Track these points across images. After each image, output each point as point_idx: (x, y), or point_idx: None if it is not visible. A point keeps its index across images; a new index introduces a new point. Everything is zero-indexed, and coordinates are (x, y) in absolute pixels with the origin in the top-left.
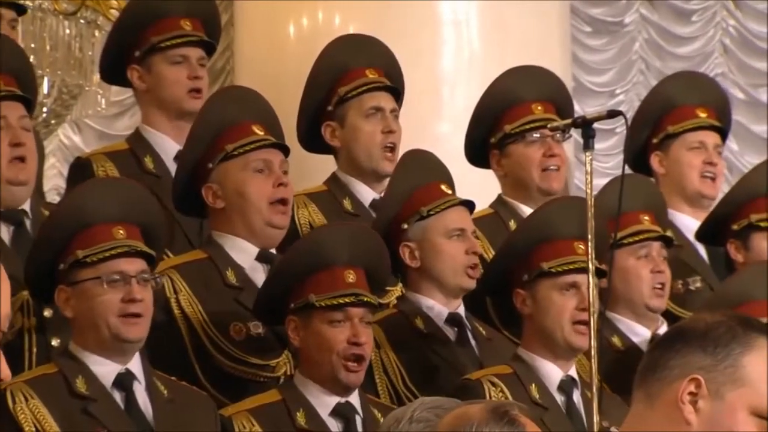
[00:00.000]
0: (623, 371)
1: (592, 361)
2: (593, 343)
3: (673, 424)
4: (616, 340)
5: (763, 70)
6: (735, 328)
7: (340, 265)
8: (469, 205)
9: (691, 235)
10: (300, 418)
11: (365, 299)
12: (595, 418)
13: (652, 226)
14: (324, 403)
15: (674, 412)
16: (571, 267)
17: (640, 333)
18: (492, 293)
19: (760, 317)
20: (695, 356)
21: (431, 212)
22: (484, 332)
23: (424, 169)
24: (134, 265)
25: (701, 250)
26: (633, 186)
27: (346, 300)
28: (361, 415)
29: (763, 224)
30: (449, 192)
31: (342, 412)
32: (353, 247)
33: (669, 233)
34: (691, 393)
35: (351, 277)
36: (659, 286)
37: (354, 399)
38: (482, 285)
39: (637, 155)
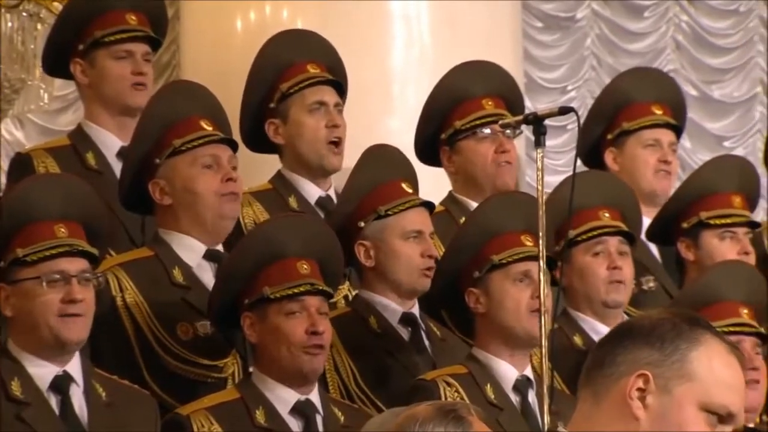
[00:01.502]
0: None
1: (543, 360)
2: (544, 342)
3: (621, 421)
4: (578, 339)
5: (716, 66)
6: (681, 325)
7: (293, 256)
8: (429, 205)
9: (643, 234)
10: (259, 416)
11: (321, 288)
12: (546, 417)
13: (611, 221)
14: (284, 400)
15: (622, 409)
16: (521, 256)
17: (602, 332)
18: (444, 296)
19: (728, 318)
20: (642, 352)
21: (389, 212)
22: (438, 333)
23: (386, 166)
24: (75, 265)
25: (653, 248)
26: (593, 182)
27: (302, 289)
28: (322, 413)
29: (713, 222)
30: (410, 191)
31: (302, 410)
32: (306, 239)
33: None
34: (639, 389)
35: (305, 267)
36: (616, 281)
37: (314, 397)
38: (434, 287)
39: (590, 151)
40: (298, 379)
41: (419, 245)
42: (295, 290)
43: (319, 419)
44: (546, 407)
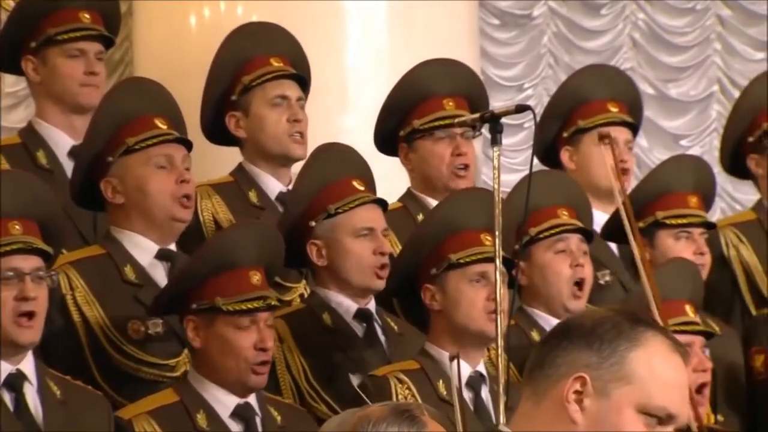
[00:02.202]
0: None
1: (499, 359)
2: (500, 341)
3: (559, 423)
4: (535, 334)
5: (673, 64)
6: (621, 324)
7: (246, 266)
8: (382, 202)
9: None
10: (200, 420)
11: (272, 303)
12: (502, 418)
13: (570, 220)
14: (223, 404)
15: (560, 411)
16: (479, 257)
17: None
18: (400, 291)
19: (674, 317)
20: (581, 354)
21: (339, 210)
22: (396, 327)
23: (336, 164)
24: (29, 262)
25: (612, 244)
26: (551, 181)
27: (256, 305)
28: (260, 414)
29: (669, 221)
30: (361, 188)
31: (242, 414)
32: (259, 248)
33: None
34: (576, 392)
35: (256, 278)
36: (578, 280)
37: (252, 399)
38: (390, 282)
39: (547, 150)
40: (241, 391)
41: (371, 242)
42: (249, 305)
43: (258, 420)
44: (502, 404)
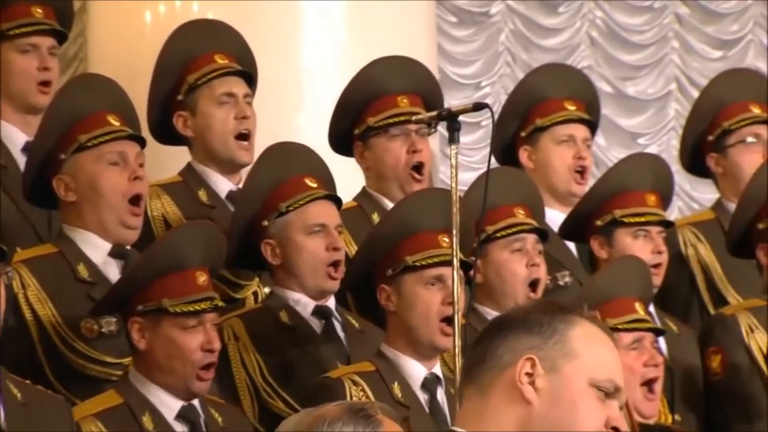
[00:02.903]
0: None
1: (456, 358)
2: (457, 341)
3: (514, 408)
4: None
5: (631, 63)
6: (552, 309)
7: (192, 267)
8: (335, 199)
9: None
10: (147, 421)
11: (218, 304)
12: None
13: (527, 219)
14: (168, 406)
15: (512, 395)
16: (435, 260)
17: None
18: (355, 290)
19: (625, 315)
20: (522, 339)
21: (290, 208)
22: (356, 324)
23: (287, 162)
24: None
25: (570, 244)
26: (507, 179)
27: (203, 306)
28: (203, 416)
29: (627, 220)
30: (314, 185)
31: (187, 416)
32: (205, 248)
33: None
34: (527, 373)
35: (202, 278)
36: (533, 280)
37: (195, 401)
38: (346, 281)
39: (505, 149)
40: (184, 395)
41: (324, 239)
42: (196, 306)
43: (202, 422)
44: (458, 405)
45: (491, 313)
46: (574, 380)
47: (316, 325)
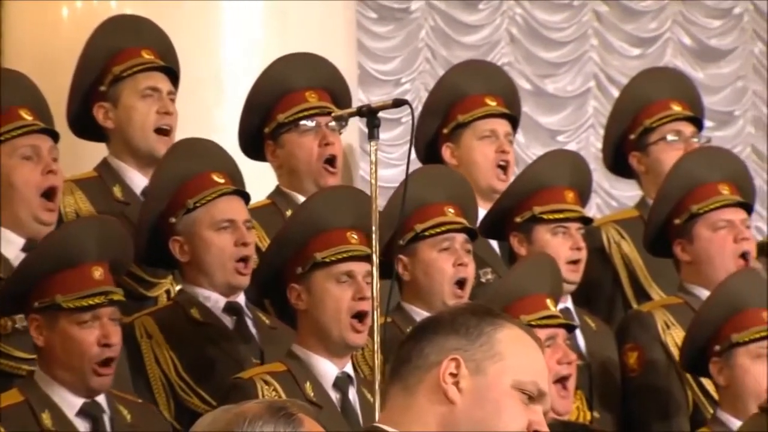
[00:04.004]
0: None
1: (375, 355)
2: (376, 338)
3: (437, 407)
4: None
5: (550, 60)
6: (479, 312)
7: (88, 262)
8: (243, 194)
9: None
10: (46, 419)
11: (114, 298)
12: (377, 416)
13: (456, 218)
14: (70, 403)
15: (436, 395)
16: (344, 255)
17: None
18: (268, 290)
19: (536, 312)
20: (449, 340)
21: (198, 204)
22: (267, 321)
23: (194, 158)
24: None
25: (493, 241)
26: (440, 177)
27: (97, 300)
28: (109, 413)
29: (546, 216)
30: (221, 181)
31: (89, 412)
32: (101, 242)
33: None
34: (452, 374)
35: (98, 273)
36: (461, 279)
37: (100, 397)
38: (257, 281)
39: (428, 146)
40: (84, 392)
41: (232, 235)
42: (90, 301)
43: (106, 418)
44: (378, 402)
45: (418, 312)
46: (498, 382)
47: (228, 321)
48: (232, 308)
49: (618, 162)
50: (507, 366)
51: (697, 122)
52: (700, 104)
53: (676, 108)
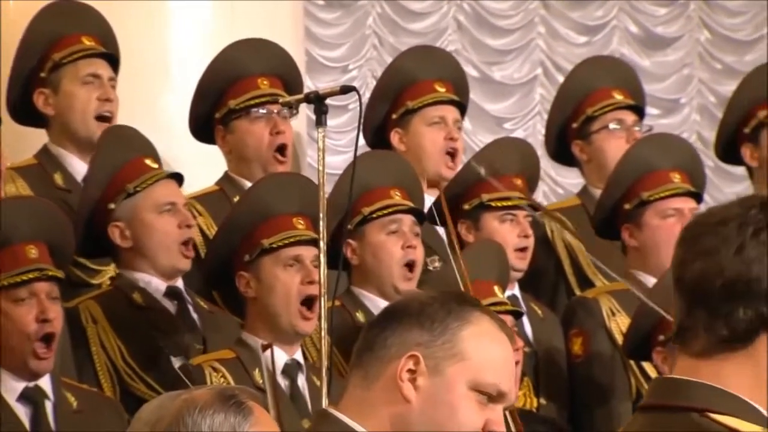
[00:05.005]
0: None
1: (323, 342)
2: (323, 324)
3: (392, 404)
4: (360, 316)
5: (497, 47)
6: (450, 303)
7: (21, 241)
8: (178, 177)
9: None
10: None
11: (50, 273)
12: (324, 400)
13: (403, 200)
14: (11, 387)
15: (393, 391)
16: (291, 240)
17: None
18: (217, 279)
19: (484, 298)
20: (412, 333)
21: (138, 188)
22: (205, 306)
23: (127, 144)
24: None
25: (440, 228)
26: (384, 162)
27: (30, 276)
28: (52, 399)
29: (494, 204)
30: (155, 166)
31: (30, 397)
32: (34, 222)
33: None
34: (409, 370)
35: (33, 252)
36: (409, 262)
37: (44, 382)
38: (205, 269)
39: (376, 132)
40: (26, 375)
41: (175, 217)
42: (24, 277)
43: (48, 405)
44: (324, 387)
45: (367, 296)
46: (455, 384)
47: (170, 306)
48: (172, 293)
49: (561, 150)
50: (466, 366)
51: (639, 111)
52: (642, 93)
53: (618, 97)
